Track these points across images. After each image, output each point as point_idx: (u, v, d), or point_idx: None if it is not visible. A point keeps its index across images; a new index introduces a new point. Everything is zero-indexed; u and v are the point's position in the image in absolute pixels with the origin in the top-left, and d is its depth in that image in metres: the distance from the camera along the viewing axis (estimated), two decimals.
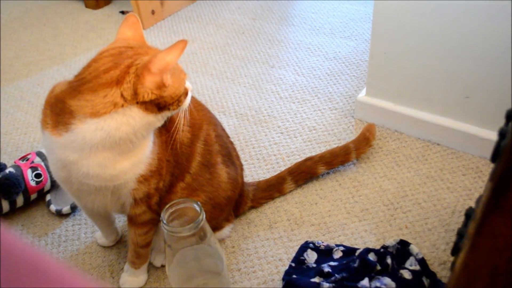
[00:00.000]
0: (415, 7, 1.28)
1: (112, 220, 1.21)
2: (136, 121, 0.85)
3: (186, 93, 0.92)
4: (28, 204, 1.36)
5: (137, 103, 0.84)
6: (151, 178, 0.96)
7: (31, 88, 1.93)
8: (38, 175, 1.33)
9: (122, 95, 0.83)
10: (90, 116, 0.83)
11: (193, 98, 1.04)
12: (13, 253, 0.31)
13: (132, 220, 1.03)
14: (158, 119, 0.89)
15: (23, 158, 1.38)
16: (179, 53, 0.83)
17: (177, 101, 0.89)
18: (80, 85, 0.85)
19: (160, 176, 0.98)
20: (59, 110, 0.86)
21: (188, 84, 0.94)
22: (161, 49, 0.86)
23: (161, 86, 0.84)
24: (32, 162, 1.36)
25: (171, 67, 0.85)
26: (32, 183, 1.32)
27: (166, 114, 0.90)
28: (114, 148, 0.87)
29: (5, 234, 0.32)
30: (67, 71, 2.01)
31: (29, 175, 1.32)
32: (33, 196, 1.34)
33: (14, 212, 1.35)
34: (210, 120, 1.12)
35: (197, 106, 1.10)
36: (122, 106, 0.83)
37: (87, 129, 0.84)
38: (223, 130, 1.19)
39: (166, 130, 0.99)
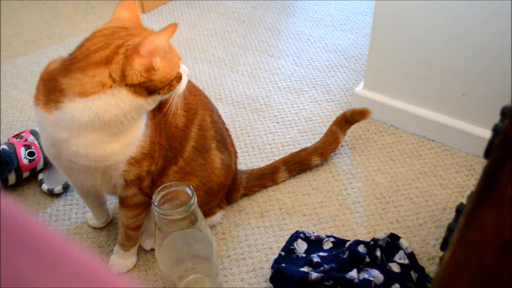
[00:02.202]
0: (416, 4, 1.27)
1: (103, 201, 1.21)
2: (125, 104, 0.84)
3: (179, 78, 0.90)
4: (20, 182, 1.36)
5: (126, 85, 0.83)
6: (142, 161, 0.95)
7: (28, 66, 1.91)
8: (31, 153, 1.33)
9: (110, 76, 0.82)
10: (79, 95, 0.83)
11: (190, 82, 1.03)
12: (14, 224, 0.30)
13: (123, 202, 1.03)
14: (148, 103, 0.88)
15: (17, 136, 1.37)
16: (169, 36, 0.82)
17: (168, 85, 0.88)
18: (72, 63, 0.84)
19: (152, 159, 0.97)
20: (51, 87, 0.86)
21: (184, 68, 0.93)
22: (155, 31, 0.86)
23: (150, 69, 0.83)
24: (26, 140, 1.35)
25: (161, 50, 0.83)
26: (25, 161, 1.32)
27: (156, 98, 0.89)
28: (103, 129, 0.86)
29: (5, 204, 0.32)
30: (65, 51, 1.96)
31: (22, 153, 1.32)
32: (26, 174, 1.34)
33: (5, 189, 1.34)
34: (206, 106, 1.12)
35: (194, 91, 1.09)
36: (111, 87, 0.83)
37: (76, 108, 0.83)
38: (219, 116, 1.18)
39: (160, 113, 0.98)
